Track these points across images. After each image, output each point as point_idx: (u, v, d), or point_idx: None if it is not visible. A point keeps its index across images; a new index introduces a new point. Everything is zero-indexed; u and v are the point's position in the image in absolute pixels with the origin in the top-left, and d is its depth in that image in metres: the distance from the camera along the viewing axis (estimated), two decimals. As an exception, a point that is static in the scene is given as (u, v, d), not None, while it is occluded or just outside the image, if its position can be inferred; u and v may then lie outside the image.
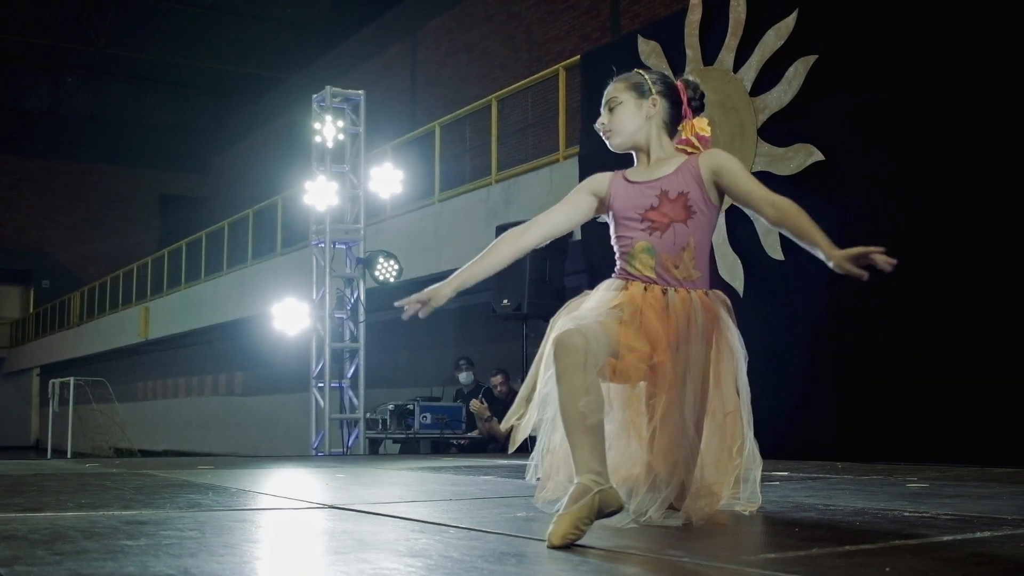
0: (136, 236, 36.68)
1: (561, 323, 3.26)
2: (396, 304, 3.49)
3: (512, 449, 3.56)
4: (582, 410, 2.99)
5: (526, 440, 3.48)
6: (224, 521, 3.46)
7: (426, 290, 3.50)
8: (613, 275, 3.51)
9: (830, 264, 3.09)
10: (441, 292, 3.50)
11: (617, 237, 3.54)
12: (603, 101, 3.63)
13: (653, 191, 3.47)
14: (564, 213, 3.66)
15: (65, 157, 36.88)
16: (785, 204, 3.33)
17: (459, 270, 3.60)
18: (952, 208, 6.85)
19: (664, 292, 3.36)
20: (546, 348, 3.28)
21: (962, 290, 6.76)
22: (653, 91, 3.59)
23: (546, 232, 3.63)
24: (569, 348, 3.06)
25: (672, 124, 3.61)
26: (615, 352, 3.20)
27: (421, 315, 3.51)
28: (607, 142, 3.63)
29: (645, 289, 3.37)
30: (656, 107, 3.57)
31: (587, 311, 3.32)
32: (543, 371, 3.31)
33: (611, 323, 3.24)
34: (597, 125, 3.63)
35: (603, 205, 3.60)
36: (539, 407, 3.36)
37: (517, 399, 3.46)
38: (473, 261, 3.61)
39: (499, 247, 3.64)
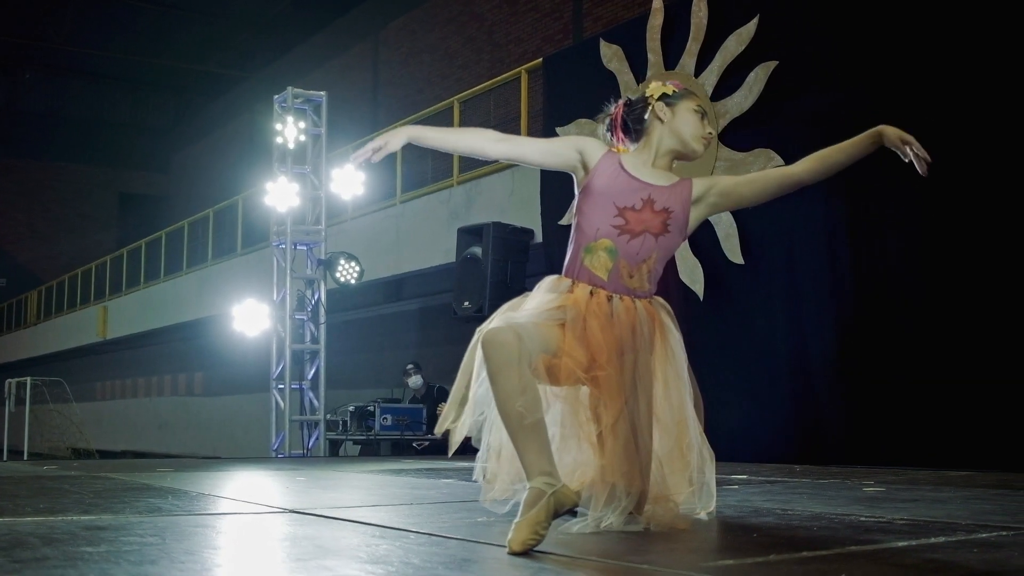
0: (95, 235, 36.32)
1: (494, 323, 3.20)
2: (352, 157, 3.44)
3: (451, 453, 3.52)
4: (520, 410, 2.96)
5: (469, 443, 3.46)
6: (184, 526, 3.46)
7: (381, 135, 3.43)
8: (564, 265, 3.45)
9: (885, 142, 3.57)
10: (396, 138, 3.42)
11: (582, 214, 3.45)
12: (704, 110, 3.63)
13: (641, 193, 3.42)
14: (541, 149, 3.60)
15: (23, 155, 36.49)
16: (807, 159, 3.61)
17: (423, 127, 3.57)
18: (913, 210, 6.91)
19: (609, 299, 3.33)
20: (476, 349, 3.21)
21: (918, 292, 6.83)
22: None
23: (516, 153, 3.58)
24: (499, 345, 3.01)
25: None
26: (550, 351, 3.16)
27: (374, 159, 3.43)
28: (699, 143, 3.57)
29: (591, 294, 3.33)
30: None
31: (525, 311, 3.28)
32: (476, 371, 3.26)
33: (549, 324, 3.21)
34: (708, 133, 3.61)
35: (582, 170, 3.49)
36: (473, 409, 3.32)
37: (448, 402, 3.42)
38: (440, 128, 3.60)
39: (469, 133, 3.64)
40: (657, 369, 3.36)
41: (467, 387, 3.33)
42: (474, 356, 3.25)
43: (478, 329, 3.24)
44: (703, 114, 3.59)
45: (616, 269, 3.37)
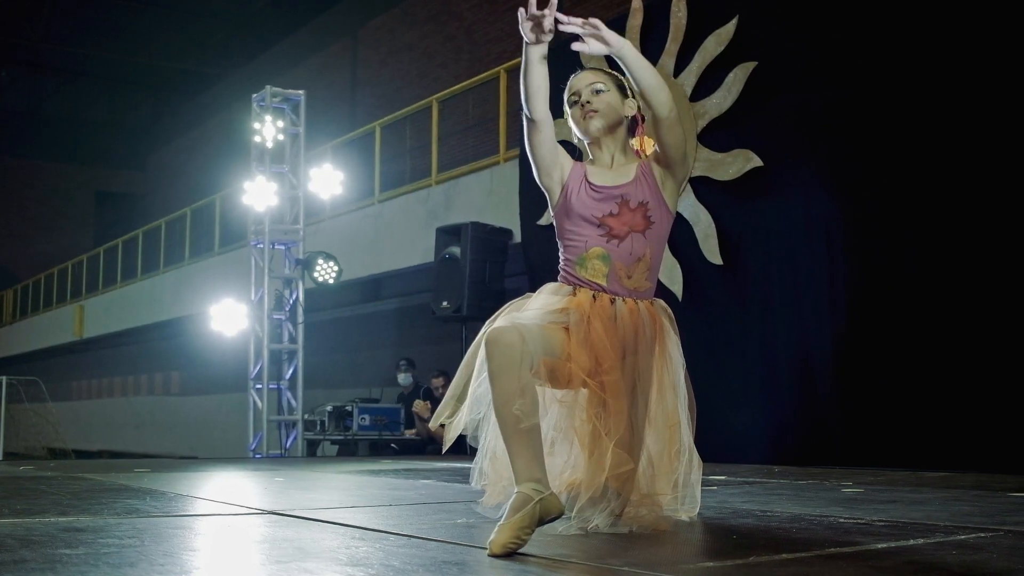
0: (71, 233, 36.17)
1: (498, 323, 3.18)
2: (567, 20, 3.36)
3: (445, 449, 3.51)
4: (516, 414, 2.94)
5: (463, 441, 3.43)
6: (163, 528, 3.44)
7: (606, 30, 3.36)
8: (559, 278, 3.45)
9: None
10: (614, 39, 3.38)
11: (567, 233, 3.45)
12: (582, 85, 3.53)
13: (614, 198, 3.40)
14: (550, 136, 3.48)
15: (-1, 153, 36.36)
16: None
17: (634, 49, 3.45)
18: (890, 212, 6.93)
19: (612, 302, 3.33)
20: (480, 347, 3.19)
21: (896, 293, 6.85)
22: (631, 94, 3.54)
23: (546, 116, 3.45)
24: (502, 346, 2.99)
25: (630, 133, 3.59)
26: (552, 353, 3.15)
27: (583, 39, 3.40)
28: (584, 125, 3.48)
29: (594, 297, 3.32)
30: (633, 110, 3.55)
31: (529, 313, 3.26)
32: (477, 369, 3.24)
33: (553, 327, 3.20)
34: (581, 105, 3.48)
35: (559, 186, 3.47)
36: (471, 407, 3.29)
37: (446, 397, 3.38)
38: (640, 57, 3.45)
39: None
40: (654, 372, 3.35)
41: (466, 383, 3.31)
42: (477, 353, 3.23)
43: (484, 328, 3.22)
44: (578, 94, 3.53)
45: (613, 273, 3.37)
